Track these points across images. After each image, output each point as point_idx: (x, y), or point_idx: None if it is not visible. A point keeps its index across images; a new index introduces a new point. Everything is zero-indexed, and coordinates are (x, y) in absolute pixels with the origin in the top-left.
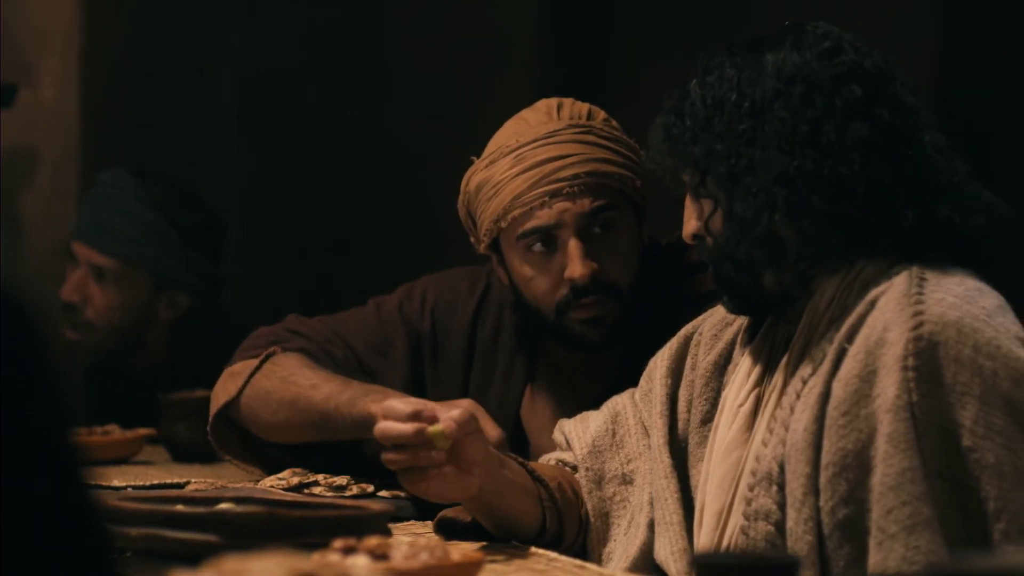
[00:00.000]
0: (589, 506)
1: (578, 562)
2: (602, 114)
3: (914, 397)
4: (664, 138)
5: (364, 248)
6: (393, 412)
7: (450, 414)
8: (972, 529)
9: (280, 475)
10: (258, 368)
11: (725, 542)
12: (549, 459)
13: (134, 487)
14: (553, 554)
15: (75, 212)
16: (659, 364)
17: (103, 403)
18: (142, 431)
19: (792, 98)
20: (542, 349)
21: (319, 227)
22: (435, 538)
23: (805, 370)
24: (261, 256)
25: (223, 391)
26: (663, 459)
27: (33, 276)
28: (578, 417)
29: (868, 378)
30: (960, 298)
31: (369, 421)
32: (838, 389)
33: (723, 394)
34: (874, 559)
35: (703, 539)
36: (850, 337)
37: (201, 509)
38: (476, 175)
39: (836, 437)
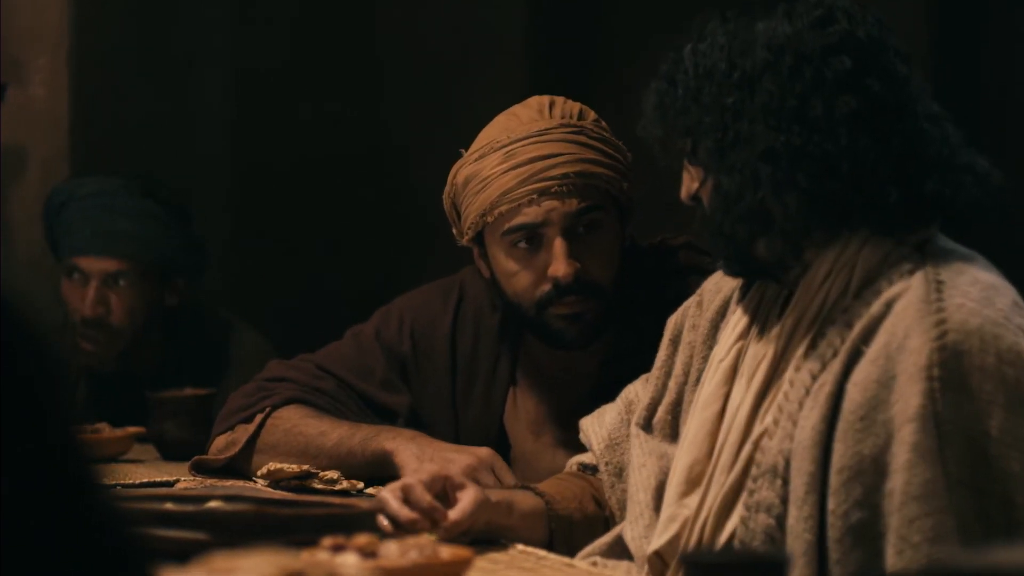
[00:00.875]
0: (613, 501)
1: (567, 560)
2: (592, 114)
3: (939, 407)
4: (656, 105)
5: (354, 245)
6: (411, 495)
7: (459, 510)
8: (995, 538)
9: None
10: (257, 431)
11: (700, 500)
12: (572, 465)
13: (123, 486)
14: (542, 552)
15: None
16: (665, 334)
17: (98, 399)
18: (131, 429)
19: (781, 70)
20: (523, 353)
21: (309, 224)
22: (424, 536)
23: (813, 364)
24: (250, 253)
25: (220, 454)
26: (636, 433)
27: (25, 278)
28: (596, 412)
29: (887, 384)
30: (978, 302)
31: (385, 457)
32: (855, 393)
33: (713, 350)
34: (893, 568)
35: (671, 492)
36: (865, 338)
37: (190, 507)
38: (464, 168)
39: (853, 441)
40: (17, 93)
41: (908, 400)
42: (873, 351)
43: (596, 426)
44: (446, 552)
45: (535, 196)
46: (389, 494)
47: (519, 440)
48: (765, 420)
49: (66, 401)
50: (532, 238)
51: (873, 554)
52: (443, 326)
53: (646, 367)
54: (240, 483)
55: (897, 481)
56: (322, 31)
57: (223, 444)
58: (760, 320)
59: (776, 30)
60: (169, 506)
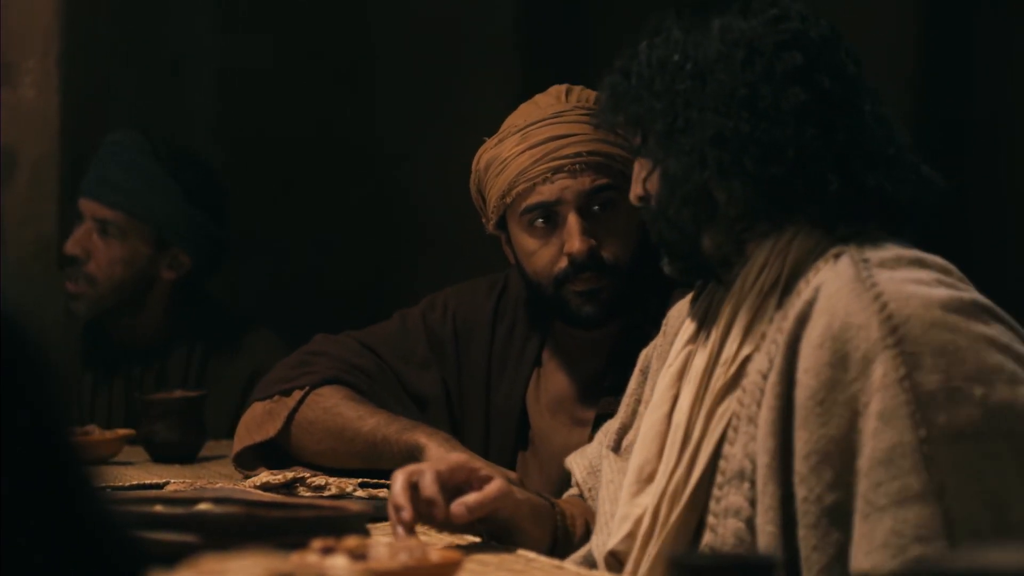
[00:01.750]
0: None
1: (556, 562)
2: None
3: (901, 372)
4: (609, 95)
5: (344, 246)
6: (421, 480)
7: (483, 493)
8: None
9: (272, 471)
10: (298, 406)
11: (657, 502)
12: (565, 497)
13: (113, 488)
14: (532, 554)
15: (55, 212)
16: (636, 364)
17: (98, 370)
18: (121, 431)
19: (734, 61)
20: (551, 336)
21: (298, 226)
22: (414, 538)
23: (761, 363)
24: (239, 254)
25: (258, 430)
26: (606, 455)
27: (18, 282)
28: (579, 450)
29: (841, 364)
30: (906, 270)
31: (418, 451)
32: (808, 379)
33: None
34: (859, 531)
35: (624, 492)
36: (801, 325)
37: (180, 510)
38: (486, 153)
39: (816, 425)
40: (7, 94)
41: (869, 375)
42: (815, 336)
43: (579, 458)
44: (435, 554)
45: (549, 175)
46: (400, 475)
47: (537, 418)
48: (718, 427)
49: (61, 405)
50: (548, 216)
51: (851, 533)
52: (484, 313)
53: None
54: (230, 485)
55: (865, 451)
56: (311, 32)
57: (260, 412)
58: (707, 324)
59: (731, 25)
60: (159, 508)
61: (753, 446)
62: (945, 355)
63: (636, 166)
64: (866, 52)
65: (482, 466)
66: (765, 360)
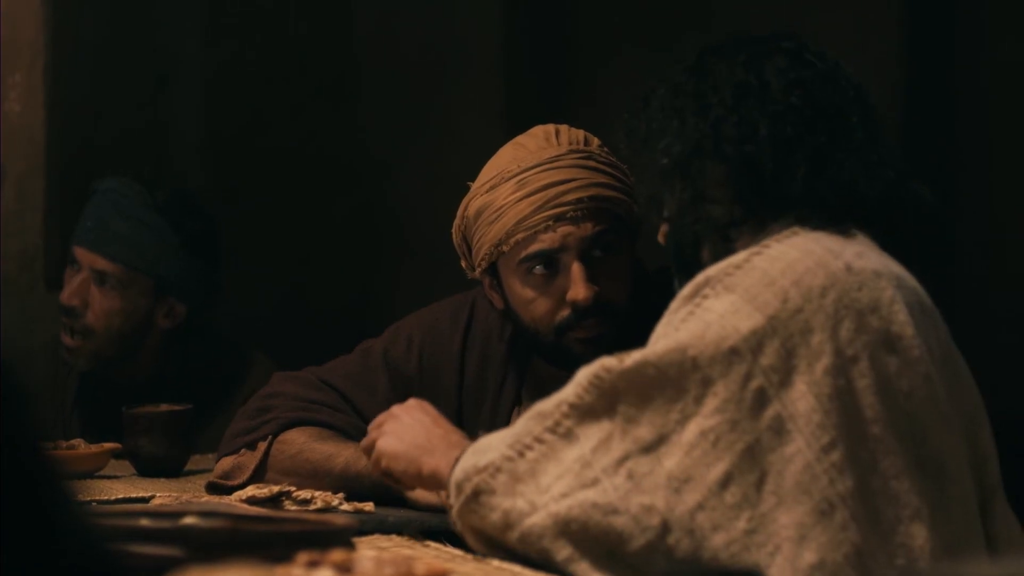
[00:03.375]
0: None
1: (541, 575)
2: (596, 140)
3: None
4: (629, 137)
5: (328, 256)
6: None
7: None
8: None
9: (258, 484)
10: (264, 457)
11: None
12: None
13: (99, 502)
14: (518, 567)
15: (41, 225)
16: None
17: (92, 414)
18: (107, 445)
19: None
20: (530, 374)
21: (284, 236)
22: (399, 552)
23: None
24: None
25: (226, 477)
26: None
27: None
28: None
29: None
30: (824, 248)
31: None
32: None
33: None
34: None
35: None
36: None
37: (166, 523)
38: (475, 200)
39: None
40: None
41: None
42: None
43: None
44: (421, 567)
45: (551, 222)
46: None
47: None
48: None
49: (35, 422)
50: (549, 264)
51: None
52: (452, 347)
53: None
54: (216, 499)
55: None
56: (297, 46)
57: (229, 467)
58: None
59: (740, 66)
60: (144, 522)
61: None
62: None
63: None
64: (851, 64)
65: None
66: None
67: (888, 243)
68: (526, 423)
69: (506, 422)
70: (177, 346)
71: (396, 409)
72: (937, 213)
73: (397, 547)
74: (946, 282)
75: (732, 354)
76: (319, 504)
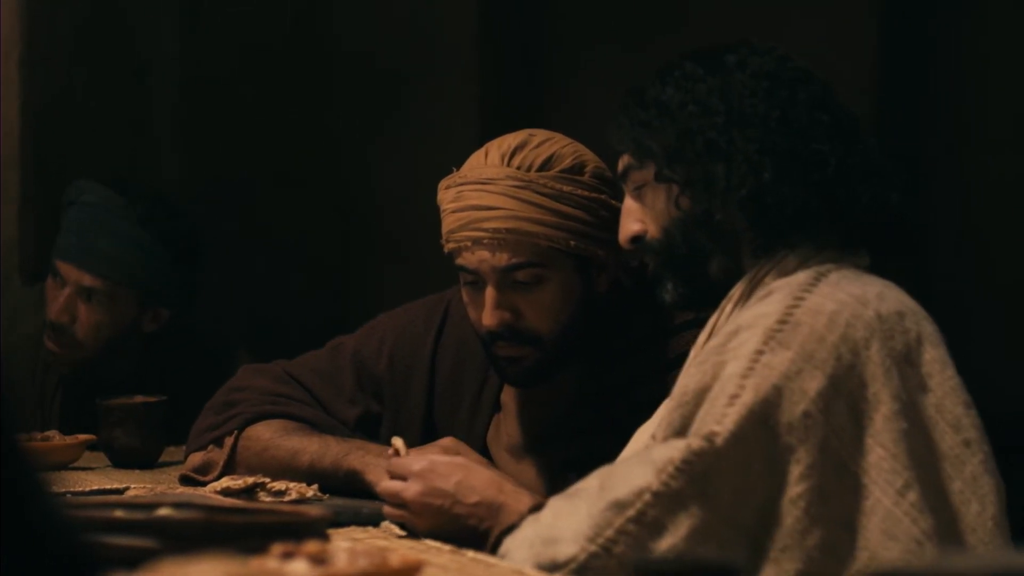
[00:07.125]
0: None
1: (516, 568)
2: (566, 162)
3: (766, 357)
4: (628, 126)
5: (305, 255)
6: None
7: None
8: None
9: (232, 476)
10: (232, 452)
11: None
12: None
13: (73, 493)
14: (493, 559)
15: (16, 216)
16: None
17: (71, 407)
18: (82, 437)
19: (759, 89)
20: None
21: (260, 235)
22: (374, 543)
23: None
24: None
25: (197, 472)
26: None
27: None
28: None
29: (734, 333)
30: (852, 296)
31: (357, 478)
32: (711, 341)
33: None
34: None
35: None
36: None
37: (140, 515)
38: (440, 191)
39: (684, 377)
40: None
41: (745, 344)
42: (738, 315)
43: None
44: (395, 559)
45: (470, 244)
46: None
47: (501, 464)
48: None
49: (11, 414)
50: (476, 280)
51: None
52: (423, 349)
53: (622, 395)
54: (190, 491)
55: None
56: (274, 42)
57: (199, 462)
58: None
59: (746, 61)
60: (119, 513)
61: None
62: (808, 361)
63: (630, 208)
64: (825, 67)
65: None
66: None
67: (879, 257)
68: (603, 513)
69: (485, 429)
70: (159, 343)
71: (436, 460)
72: (914, 224)
73: (372, 538)
74: (922, 281)
75: (806, 418)
76: (294, 495)
